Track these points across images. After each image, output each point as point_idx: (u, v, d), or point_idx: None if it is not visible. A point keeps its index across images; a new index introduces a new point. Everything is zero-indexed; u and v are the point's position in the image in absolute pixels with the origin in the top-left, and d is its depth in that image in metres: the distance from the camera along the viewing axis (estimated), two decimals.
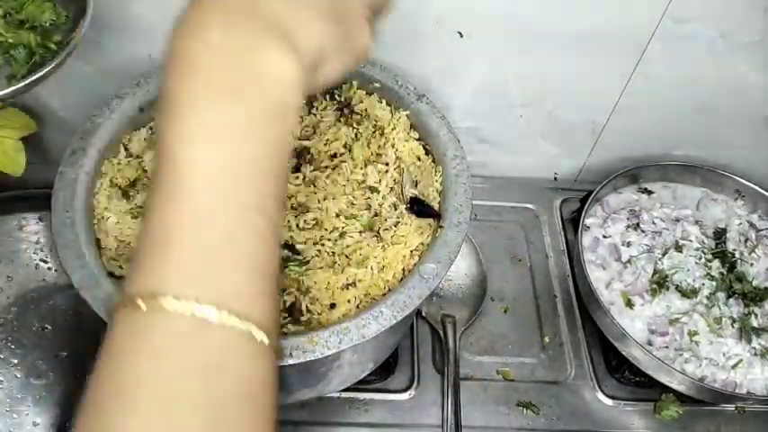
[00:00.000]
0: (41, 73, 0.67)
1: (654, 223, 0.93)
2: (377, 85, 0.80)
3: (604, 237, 0.93)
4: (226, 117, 0.35)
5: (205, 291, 0.33)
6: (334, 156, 0.74)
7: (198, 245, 0.34)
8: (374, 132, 0.76)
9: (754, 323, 0.85)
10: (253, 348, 0.34)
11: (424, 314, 0.88)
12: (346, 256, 0.66)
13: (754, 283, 0.89)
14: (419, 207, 0.70)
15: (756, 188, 0.97)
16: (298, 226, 0.67)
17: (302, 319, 0.62)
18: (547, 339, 0.90)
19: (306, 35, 0.39)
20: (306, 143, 0.74)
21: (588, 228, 0.93)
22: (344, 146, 0.75)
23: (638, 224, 0.93)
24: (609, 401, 0.85)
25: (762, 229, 0.95)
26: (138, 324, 0.33)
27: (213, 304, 0.32)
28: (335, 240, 0.67)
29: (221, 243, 0.34)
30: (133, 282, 0.35)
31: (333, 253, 0.66)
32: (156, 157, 0.36)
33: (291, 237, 0.67)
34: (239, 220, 0.35)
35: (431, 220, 0.70)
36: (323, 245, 0.66)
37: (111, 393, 0.32)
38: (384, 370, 0.83)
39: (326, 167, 0.72)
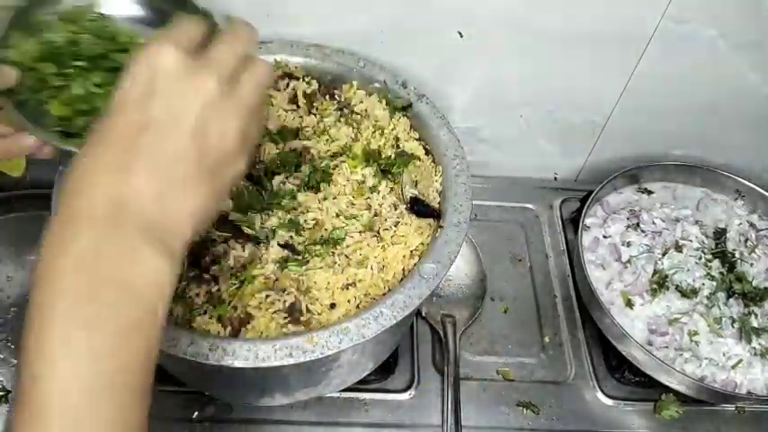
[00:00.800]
0: None
1: (654, 223, 0.93)
2: (377, 85, 0.80)
3: (604, 237, 0.93)
4: (88, 334, 0.36)
5: None
6: (334, 156, 0.74)
7: None
8: (374, 132, 0.76)
9: (754, 323, 0.85)
10: None
11: (424, 314, 0.88)
12: (346, 256, 0.66)
13: (754, 283, 0.89)
14: (419, 207, 0.70)
15: (756, 188, 0.97)
16: (298, 226, 0.67)
17: (302, 319, 0.62)
18: (547, 339, 0.90)
19: (180, 226, 0.41)
20: (306, 143, 0.74)
21: (588, 228, 0.93)
22: (345, 146, 0.75)
23: (638, 224, 0.93)
24: (609, 401, 0.85)
25: (762, 229, 0.95)
26: None
27: None
28: (336, 240, 0.67)
29: None
30: None
31: (333, 253, 0.66)
32: (17, 369, 0.37)
33: (291, 237, 0.67)
34: None
35: (431, 220, 0.70)
36: (323, 244, 0.67)
37: None
38: (384, 370, 0.83)
39: (326, 167, 0.72)
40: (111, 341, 0.36)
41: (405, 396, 0.82)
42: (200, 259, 0.64)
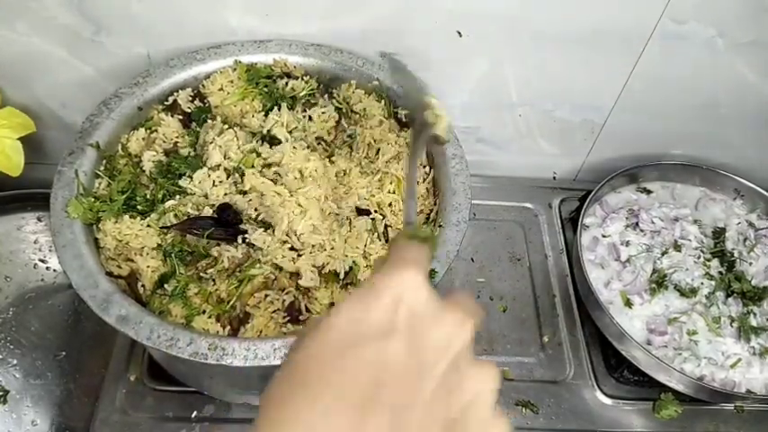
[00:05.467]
0: None
1: (653, 223, 0.93)
2: (375, 83, 0.80)
3: (603, 236, 0.93)
4: None
5: None
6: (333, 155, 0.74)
7: None
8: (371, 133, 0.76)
9: (753, 322, 0.85)
10: None
11: None
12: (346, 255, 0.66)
13: (753, 282, 0.89)
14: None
15: (755, 188, 0.97)
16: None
17: (302, 318, 0.62)
18: (546, 339, 0.90)
19: None
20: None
21: (587, 227, 0.93)
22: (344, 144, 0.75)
23: (636, 223, 0.93)
24: (608, 401, 0.85)
25: (760, 229, 0.95)
26: None
27: None
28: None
29: None
30: None
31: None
32: None
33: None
34: None
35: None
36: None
37: None
38: None
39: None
40: None
41: None
42: (198, 260, 0.64)
